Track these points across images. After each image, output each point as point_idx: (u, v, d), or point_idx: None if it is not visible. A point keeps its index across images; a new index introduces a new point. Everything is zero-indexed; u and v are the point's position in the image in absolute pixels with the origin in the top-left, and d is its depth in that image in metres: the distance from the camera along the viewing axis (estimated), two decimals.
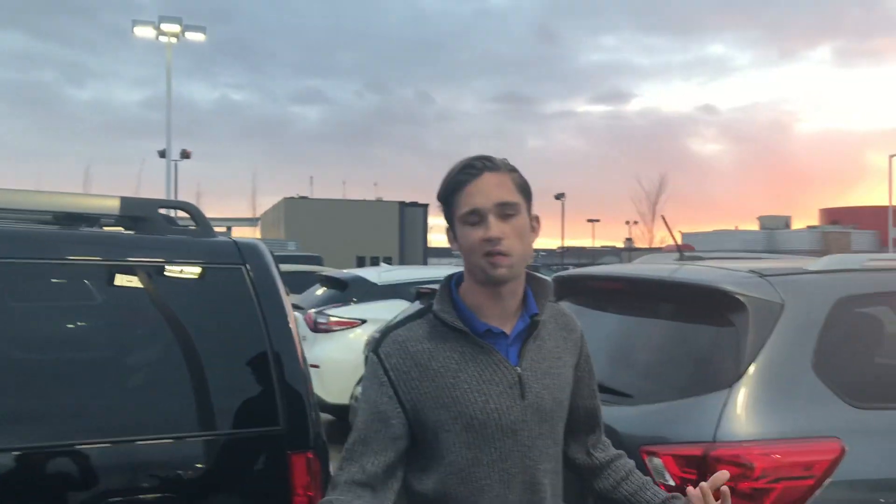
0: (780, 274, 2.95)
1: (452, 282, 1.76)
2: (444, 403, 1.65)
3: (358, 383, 6.83)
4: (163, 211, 2.65)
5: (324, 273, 10.26)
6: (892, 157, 42.73)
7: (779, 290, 2.82)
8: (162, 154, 30.15)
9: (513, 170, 1.71)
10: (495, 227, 1.62)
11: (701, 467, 2.53)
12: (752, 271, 2.97)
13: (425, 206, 49.15)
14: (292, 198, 59.80)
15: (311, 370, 7.95)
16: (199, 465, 2.29)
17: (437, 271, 8.88)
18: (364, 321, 7.73)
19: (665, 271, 3.27)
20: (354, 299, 8.28)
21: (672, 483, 2.59)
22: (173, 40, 25.94)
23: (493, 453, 1.66)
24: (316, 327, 7.84)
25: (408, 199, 51.42)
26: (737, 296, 2.79)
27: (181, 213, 2.73)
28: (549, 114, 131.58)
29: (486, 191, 1.64)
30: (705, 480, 2.52)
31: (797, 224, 56.91)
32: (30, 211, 2.46)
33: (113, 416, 2.22)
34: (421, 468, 1.70)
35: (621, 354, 3.21)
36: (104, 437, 2.20)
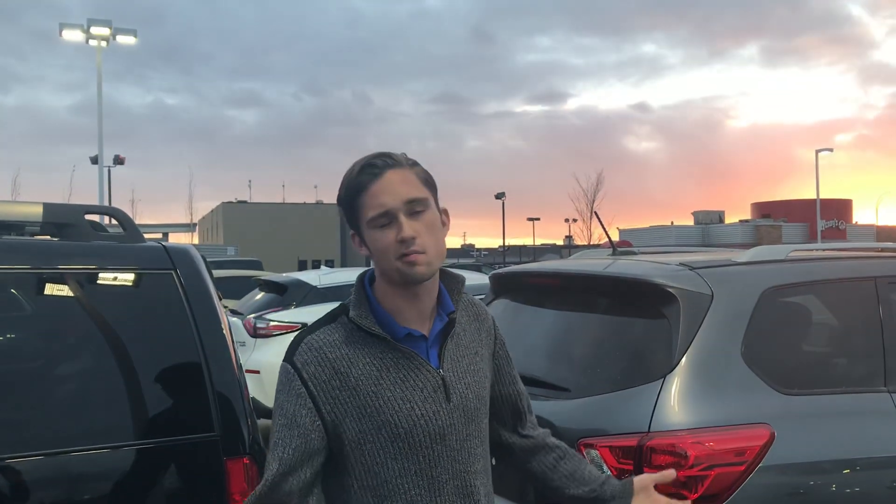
0: (708, 266, 3.02)
1: (366, 282, 1.68)
2: (367, 413, 1.57)
3: None
4: (95, 217, 2.59)
5: (263, 277, 10.13)
6: (818, 151, 44.14)
7: (708, 281, 2.88)
8: (94, 160, 29.41)
9: (414, 164, 1.64)
10: (407, 226, 1.56)
11: (637, 458, 2.58)
12: (682, 264, 3.03)
13: None
14: (230, 202, 58.98)
15: (252, 376, 7.87)
16: (134, 475, 2.24)
17: None
18: (304, 325, 7.63)
19: (598, 266, 3.31)
20: (294, 303, 8.20)
21: (609, 474, 2.63)
22: (103, 44, 25.30)
23: (422, 461, 1.59)
24: (255, 332, 7.73)
25: None
26: (668, 288, 2.85)
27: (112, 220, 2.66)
28: (487, 114, 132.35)
29: (392, 190, 1.57)
30: (641, 471, 2.59)
31: (730, 218, 58.31)
32: None
33: (44, 428, 2.17)
34: (342, 486, 1.62)
35: (558, 349, 3.25)
36: (36, 449, 2.14)
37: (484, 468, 1.72)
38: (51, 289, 2.27)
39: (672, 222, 57.35)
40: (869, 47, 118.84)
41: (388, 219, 1.56)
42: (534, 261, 24.06)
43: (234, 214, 55.66)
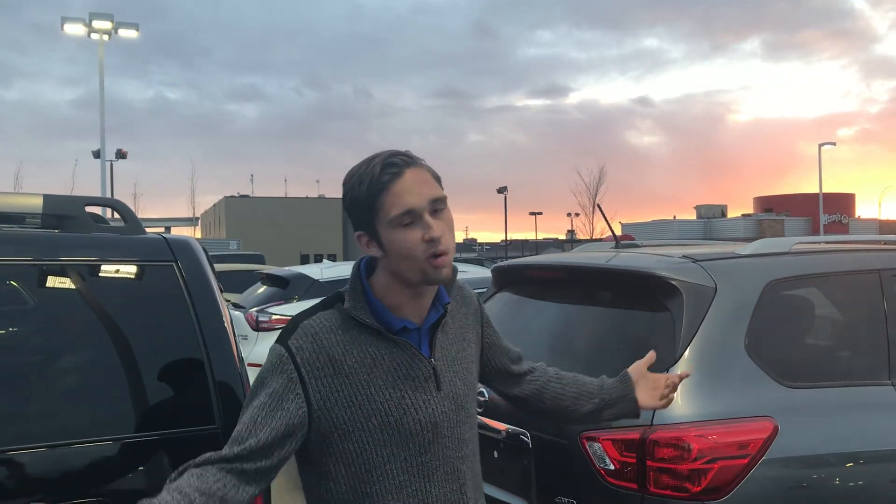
0: (712, 259, 3.01)
1: (362, 274, 1.66)
2: (356, 402, 1.57)
3: None
4: (96, 210, 2.58)
5: (265, 271, 10.13)
6: (821, 145, 44.05)
7: (711, 274, 2.87)
8: (96, 154, 29.39)
9: (423, 162, 1.63)
10: (433, 224, 1.55)
11: (640, 451, 2.58)
12: (685, 257, 3.02)
13: None
14: (233, 196, 58.98)
15: (255, 369, 7.85)
16: (135, 467, 2.23)
17: None
18: None
19: (601, 259, 3.30)
20: (296, 297, 8.19)
21: (612, 467, 2.62)
22: (105, 37, 25.29)
23: (411, 448, 1.60)
24: (258, 326, 7.73)
25: None
26: (671, 281, 2.84)
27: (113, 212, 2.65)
28: (489, 108, 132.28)
29: (416, 189, 1.55)
30: (644, 464, 2.59)
31: (733, 213, 58.22)
32: None
33: (45, 421, 2.16)
34: (327, 472, 1.61)
35: (561, 342, 3.24)
36: (37, 442, 2.13)
37: (472, 451, 1.75)
38: (51, 280, 2.26)
39: (675, 216, 57.30)
40: (871, 41, 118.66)
41: (412, 218, 1.54)
42: (536, 255, 23.96)
43: (236, 208, 55.67)
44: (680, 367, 2.67)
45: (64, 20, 24.88)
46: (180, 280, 2.33)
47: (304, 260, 45.59)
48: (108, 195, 27.56)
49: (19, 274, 2.27)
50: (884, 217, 59.49)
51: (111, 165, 35.41)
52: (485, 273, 8.19)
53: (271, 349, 1.61)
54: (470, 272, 8.59)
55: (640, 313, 2.99)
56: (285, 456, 1.56)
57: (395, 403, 1.58)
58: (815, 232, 47.95)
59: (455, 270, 1.63)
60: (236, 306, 8.76)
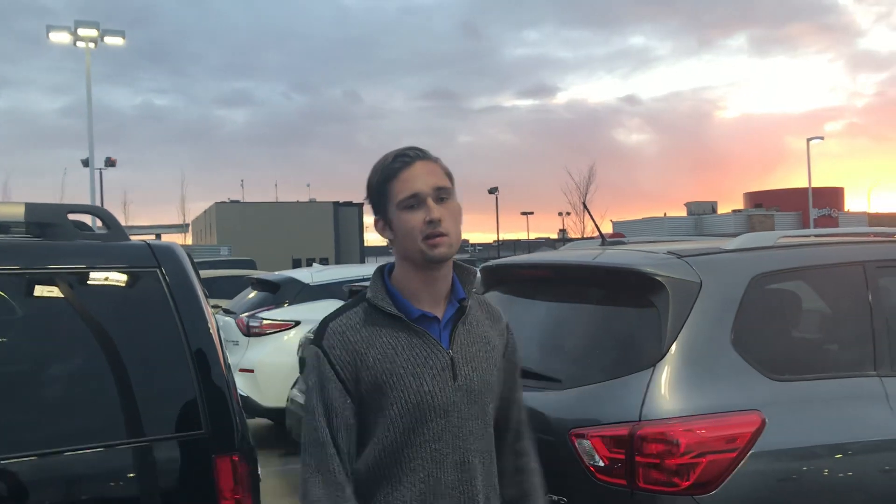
0: (696, 254, 3.02)
1: (385, 271, 1.82)
2: (382, 389, 1.70)
3: (294, 385, 6.74)
4: (80, 217, 2.57)
5: (255, 276, 10.11)
6: (809, 140, 44.22)
7: (696, 269, 2.88)
8: (85, 163, 29.29)
9: (438, 159, 1.80)
10: (435, 209, 1.70)
11: (628, 447, 2.58)
12: (670, 252, 3.03)
13: (360, 205, 48.77)
14: (223, 202, 58.83)
15: (246, 374, 7.83)
16: (123, 473, 2.23)
17: (370, 268, 8.82)
18: (297, 323, 7.63)
19: (587, 256, 3.31)
20: (287, 301, 8.18)
21: (601, 464, 2.63)
22: (91, 45, 25.21)
23: (426, 433, 1.72)
24: (249, 331, 7.71)
25: (341, 199, 51.07)
26: (656, 277, 2.85)
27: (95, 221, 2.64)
28: (478, 109, 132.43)
29: (423, 177, 1.72)
30: (633, 459, 2.59)
31: (723, 209, 58.41)
32: None
33: (33, 429, 2.16)
34: (359, 453, 1.74)
35: (549, 340, 3.25)
36: (25, 450, 2.13)
37: (485, 449, 1.82)
38: (35, 289, 2.26)
39: (665, 213, 57.43)
40: (856, 35, 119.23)
41: (416, 201, 1.71)
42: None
43: (227, 214, 55.52)
44: (666, 363, 2.68)
45: (49, 28, 24.79)
46: (164, 286, 2.33)
47: (297, 264, 45.49)
48: (98, 203, 27.45)
49: (4, 282, 2.26)
50: (873, 210, 59.81)
51: (100, 173, 35.29)
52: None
53: (307, 351, 1.79)
54: None
55: (627, 310, 3.00)
56: (354, 441, 1.73)
57: (414, 390, 1.71)
58: (805, 226, 48.15)
59: (453, 254, 1.74)
60: (227, 312, 8.74)
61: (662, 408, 2.61)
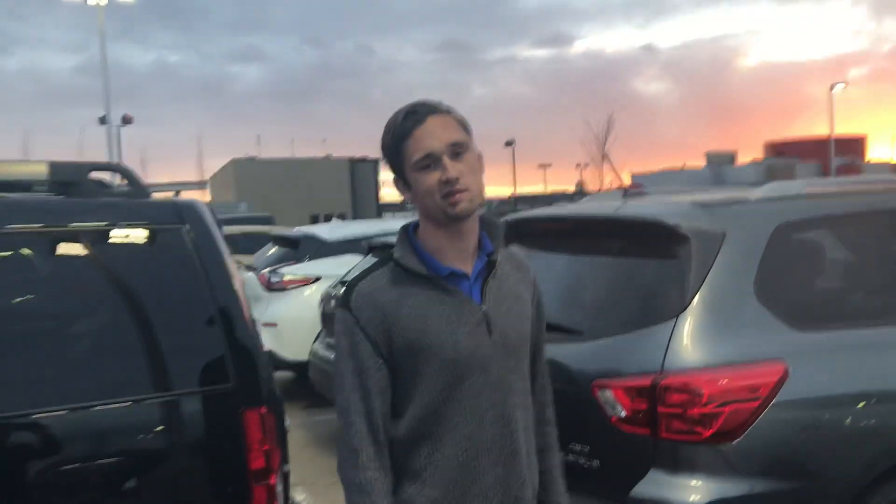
0: (720, 204, 2.99)
1: (410, 229, 1.79)
2: (416, 349, 1.68)
3: (316, 339, 6.81)
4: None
5: (275, 233, 10.15)
6: (832, 86, 43.48)
7: (720, 219, 2.86)
8: (102, 121, 29.33)
9: (451, 110, 1.74)
10: (451, 167, 1.66)
11: (651, 397, 2.60)
12: (693, 203, 3.01)
13: (375, 160, 48.47)
14: (240, 159, 58.77)
15: (270, 328, 7.90)
16: (153, 427, 2.27)
17: (388, 224, 8.85)
18: (318, 278, 7.68)
19: (609, 208, 3.29)
20: (307, 257, 8.23)
21: (624, 414, 2.65)
22: (103, 2, 25.08)
23: (466, 390, 1.70)
24: (270, 286, 7.78)
25: (357, 155, 50.89)
26: (679, 228, 2.83)
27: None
28: (493, 60, 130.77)
29: (436, 133, 1.67)
30: (655, 410, 2.61)
31: (743, 158, 57.73)
32: None
33: (63, 384, 2.20)
34: (399, 412, 1.73)
35: (571, 292, 3.25)
36: (58, 404, 2.17)
37: (524, 403, 1.81)
38: (62, 247, 2.28)
39: (684, 164, 56.87)
40: None
41: (431, 160, 1.67)
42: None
43: (244, 171, 55.47)
44: (689, 314, 2.67)
45: None
46: (189, 242, 2.34)
47: (315, 220, 45.56)
48: (118, 161, 27.51)
49: (31, 241, 2.29)
50: None
51: (118, 131, 35.32)
52: None
53: (336, 316, 1.75)
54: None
55: (650, 261, 2.99)
56: (389, 403, 1.72)
57: (451, 346, 1.68)
58: (827, 175, 47.55)
59: (476, 208, 1.71)
60: (249, 268, 8.81)
61: (685, 358, 2.61)
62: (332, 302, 6.54)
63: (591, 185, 58.45)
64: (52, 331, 2.25)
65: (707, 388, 2.54)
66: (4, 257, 2.27)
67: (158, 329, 2.28)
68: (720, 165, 54.08)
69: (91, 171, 2.43)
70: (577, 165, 61.95)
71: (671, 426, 2.57)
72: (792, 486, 2.59)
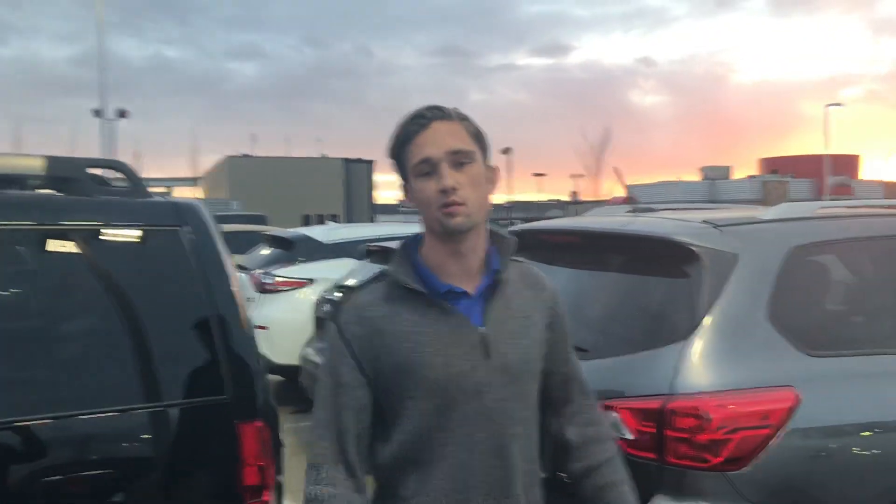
0: (733, 224, 2.92)
1: (411, 242, 1.70)
2: (405, 370, 1.58)
3: (308, 344, 6.71)
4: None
5: (269, 233, 10.05)
6: (827, 106, 43.67)
7: (733, 239, 2.79)
8: (97, 113, 29.11)
9: (464, 118, 1.65)
10: (449, 176, 1.56)
11: (658, 420, 2.52)
12: (705, 222, 2.93)
13: (370, 162, 48.46)
14: (235, 156, 58.57)
15: (260, 332, 7.79)
16: (142, 438, 2.18)
17: (385, 229, 8.76)
18: (311, 280, 7.59)
19: (619, 224, 3.22)
20: (301, 259, 8.13)
21: (630, 437, 2.57)
22: None
23: (457, 417, 1.59)
24: (262, 288, 7.68)
25: (352, 156, 50.75)
26: (691, 247, 2.76)
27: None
28: (491, 67, 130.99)
29: (437, 140, 1.58)
30: (663, 433, 2.53)
31: (738, 174, 57.89)
32: None
33: (48, 390, 2.09)
34: (387, 437, 1.63)
35: (576, 308, 3.14)
36: (44, 412, 2.07)
37: (525, 433, 1.68)
38: (53, 245, 2.18)
39: (679, 178, 56.93)
40: None
41: (429, 167, 1.58)
42: (539, 217, 23.88)
43: (238, 168, 55.25)
44: (700, 336, 2.60)
45: None
46: (187, 245, 2.24)
47: (306, 221, 45.42)
48: (111, 155, 27.40)
49: (23, 238, 2.19)
50: (889, 179, 59.19)
51: (114, 125, 35.11)
52: None
53: (327, 328, 1.70)
54: None
55: (660, 280, 2.91)
56: (366, 424, 1.63)
57: (441, 370, 1.58)
58: (820, 193, 47.73)
59: (475, 224, 1.60)
60: (241, 268, 8.70)
61: (695, 381, 2.53)
62: (326, 306, 6.45)
63: (584, 196, 58.49)
64: (38, 332, 2.15)
65: (717, 413, 2.46)
66: None
67: (150, 335, 2.18)
68: (715, 180, 54.19)
69: (88, 166, 2.33)
70: (572, 176, 61.91)
71: (678, 451, 2.49)
72: None
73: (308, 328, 6.83)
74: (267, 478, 2.14)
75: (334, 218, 40.32)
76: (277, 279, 7.68)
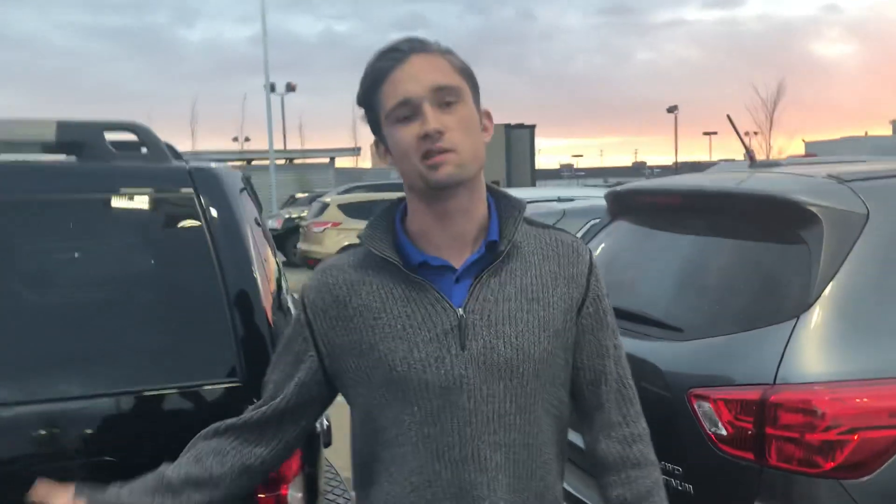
0: (865, 178, 2.42)
1: (400, 206, 1.43)
2: (361, 350, 1.35)
3: None
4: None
5: None
6: None
7: (862, 197, 2.30)
8: (272, 89, 30.66)
9: (449, 51, 1.37)
10: (433, 117, 1.28)
11: (758, 415, 2.11)
12: (830, 176, 2.44)
13: (532, 127, 47.89)
14: None
15: None
16: (150, 422, 2.00)
17: (543, 192, 8.49)
18: None
19: (730, 182, 2.78)
20: None
21: (724, 432, 2.18)
22: None
23: (417, 413, 1.32)
24: None
25: (513, 122, 50.40)
26: (808, 206, 2.29)
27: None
28: (658, 24, 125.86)
29: (418, 75, 1.30)
30: (763, 430, 2.12)
31: None
32: None
33: (45, 373, 1.96)
34: (352, 423, 1.45)
35: (674, 281, 2.76)
36: (38, 397, 1.94)
37: (520, 442, 1.35)
38: (58, 215, 2.05)
39: (866, 132, 52.42)
40: None
41: (409, 109, 1.30)
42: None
43: None
44: (814, 313, 2.15)
45: None
46: (201, 215, 2.05)
47: None
48: (276, 126, 28.70)
49: (27, 208, 2.07)
50: None
51: (282, 99, 36.73)
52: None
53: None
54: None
55: (770, 246, 2.46)
56: (305, 402, 1.44)
57: (401, 356, 1.32)
58: None
59: (467, 176, 1.33)
60: None
61: (805, 369, 2.10)
62: None
63: (759, 154, 55.01)
64: (38, 309, 2.03)
65: (832, 408, 2.02)
66: None
67: (158, 311, 2.03)
68: None
69: (105, 130, 2.19)
70: (746, 133, 58.41)
71: (783, 452, 2.08)
72: None
73: None
74: (284, 469, 1.93)
75: (496, 183, 40.26)
76: None
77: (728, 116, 2.98)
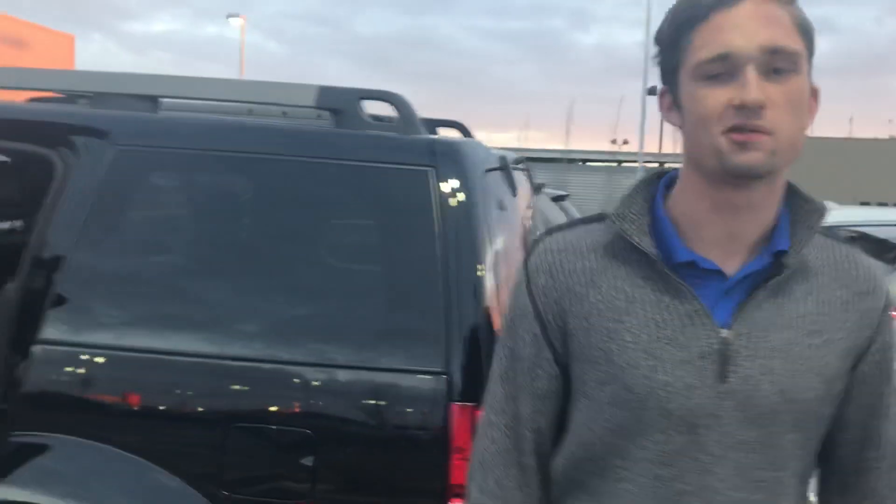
0: None
1: (661, 182, 1.14)
2: (592, 356, 1.08)
3: None
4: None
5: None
6: None
7: None
8: (650, 91, 30.55)
9: (791, 1, 1.03)
10: (756, 86, 0.97)
11: None
12: None
13: None
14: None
15: None
16: (343, 398, 1.93)
17: None
18: None
19: None
20: None
21: None
22: None
23: (651, 448, 1.06)
24: None
25: None
26: None
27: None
28: None
29: (747, 26, 0.98)
30: None
31: None
32: (225, 100, 2.28)
33: (246, 342, 1.97)
34: (560, 439, 1.18)
35: None
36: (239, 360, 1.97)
37: (759, 501, 1.07)
38: (276, 178, 2.02)
39: None
40: None
41: (725, 66, 0.99)
42: None
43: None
44: None
45: None
46: (432, 194, 1.91)
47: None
48: (648, 129, 28.76)
49: (253, 168, 2.07)
50: None
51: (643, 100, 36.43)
52: None
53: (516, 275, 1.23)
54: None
55: None
56: (551, 414, 1.17)
57: (643, 373, 1.05)
58: None
59: (777, 168, 1.02)
60: None
61: None
62: None
63: None
64: (261, 271, 2.02)
65: None
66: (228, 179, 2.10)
67: (376, 286, 1.94)
68: None
69: (361, 98, 2.13)
70: None
71: None
72: None
73: None
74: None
75: (882, 205, 35.78)
76: None
77: None
